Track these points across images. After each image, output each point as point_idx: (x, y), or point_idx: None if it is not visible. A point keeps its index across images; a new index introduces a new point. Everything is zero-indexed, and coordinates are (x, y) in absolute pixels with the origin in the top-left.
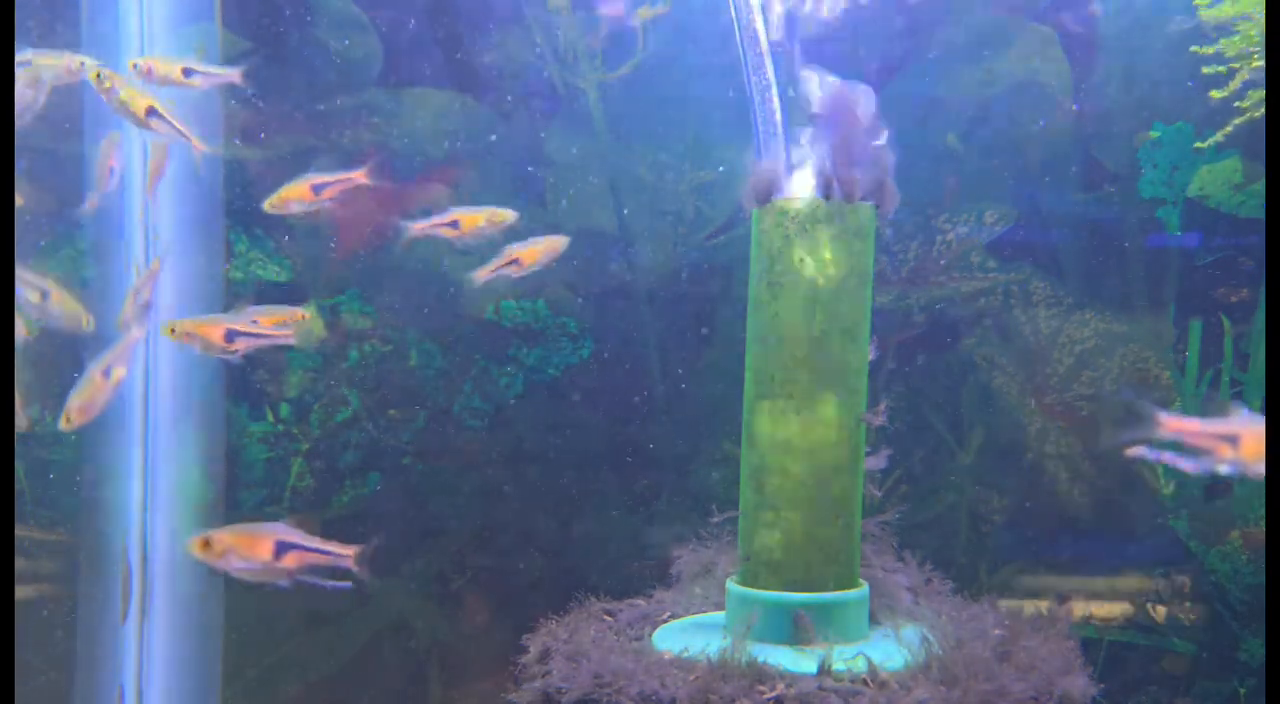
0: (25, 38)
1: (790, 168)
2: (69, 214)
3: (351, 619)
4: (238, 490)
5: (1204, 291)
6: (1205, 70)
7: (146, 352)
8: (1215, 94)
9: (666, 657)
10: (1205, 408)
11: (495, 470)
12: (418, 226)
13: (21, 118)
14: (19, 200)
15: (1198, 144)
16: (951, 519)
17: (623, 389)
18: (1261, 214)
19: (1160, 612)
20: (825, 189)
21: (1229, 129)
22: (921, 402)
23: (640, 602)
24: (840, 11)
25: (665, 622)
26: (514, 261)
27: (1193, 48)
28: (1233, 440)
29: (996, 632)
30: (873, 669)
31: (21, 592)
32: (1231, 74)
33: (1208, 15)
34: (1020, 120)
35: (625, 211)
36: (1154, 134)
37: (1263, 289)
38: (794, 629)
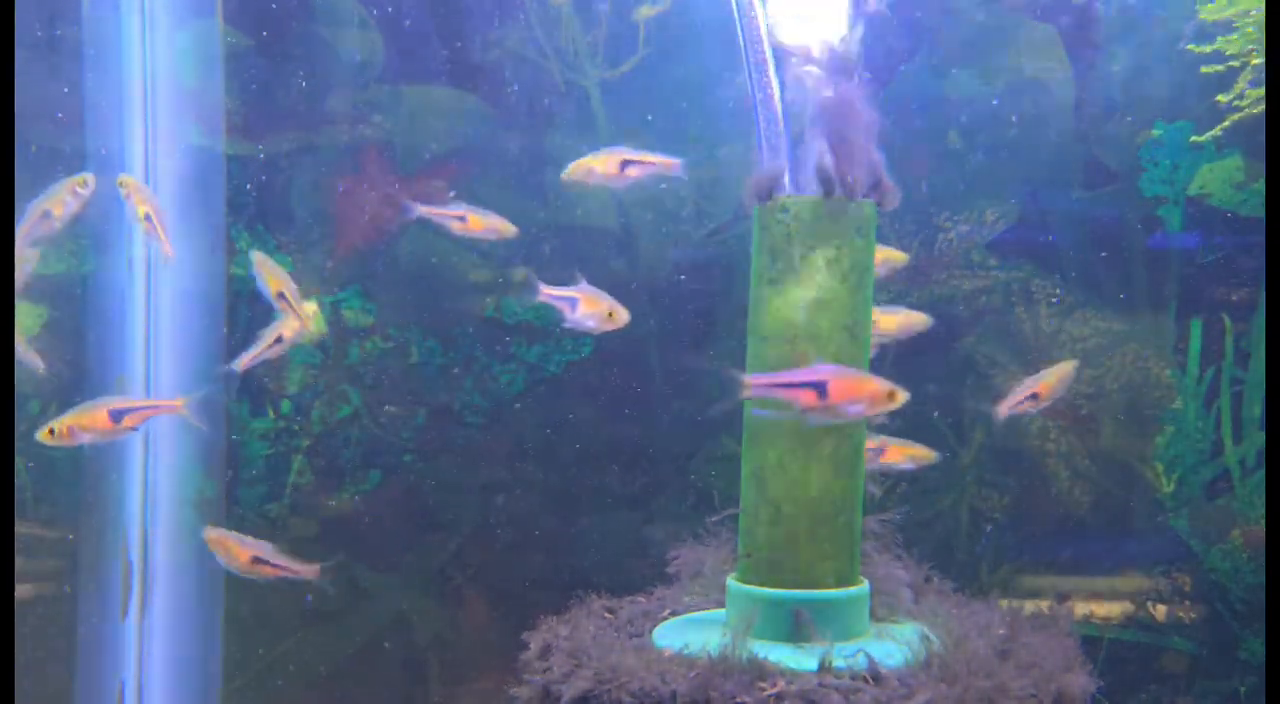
0: (26, 37)
1: (792, 165)
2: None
3: (351, 617)
4: (238, 487)
5: (1205, 290)
6: (1205, 69)
7: (147, 350)
8: (1221, 98)
9: (667, 653)
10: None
11: (496, 468)
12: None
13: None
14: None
15: (1194, 138)
16: (952, 518)
17: (624, 386)
18: (1262, 213)
19: (1160, 610)
20: (826, 186)
21: (1226, 124)
22: (921, 400)
23: (640, 598)
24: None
25: (665, 618)
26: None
27: (1190, 46)
28: (819, 387)
29: (999, 631)
30: (873, 666)
31: (22, 589)
32: (1233, 73)
33: (1208, 14)
34: (1021, 119)
35: (626, 209)
36: (1155, 132)
37: (1263, 288)
38: (794, 626)
